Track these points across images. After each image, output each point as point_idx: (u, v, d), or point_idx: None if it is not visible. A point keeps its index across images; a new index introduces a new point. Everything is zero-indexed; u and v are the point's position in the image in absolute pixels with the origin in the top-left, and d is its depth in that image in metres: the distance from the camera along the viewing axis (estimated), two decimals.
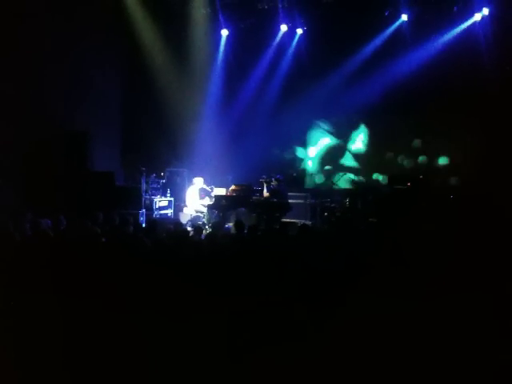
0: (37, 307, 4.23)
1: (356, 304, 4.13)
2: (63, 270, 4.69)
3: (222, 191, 11.74)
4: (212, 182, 12.26)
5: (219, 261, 5.13)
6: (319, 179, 14.11)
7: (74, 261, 4.93)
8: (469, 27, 12.05)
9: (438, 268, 4.74)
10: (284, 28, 13.61)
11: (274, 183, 11.16)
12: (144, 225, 10.41)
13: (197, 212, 11.79)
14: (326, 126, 14.07)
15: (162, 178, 13.01)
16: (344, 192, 12.32)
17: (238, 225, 7.68)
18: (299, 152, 14.36)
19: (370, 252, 5.37)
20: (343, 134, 13.96)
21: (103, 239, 5.99)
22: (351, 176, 13.60)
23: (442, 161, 12.62)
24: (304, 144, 14.31)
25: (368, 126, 13.56)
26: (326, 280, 4.59)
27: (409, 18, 12.48)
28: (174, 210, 12.66)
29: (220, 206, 11.20)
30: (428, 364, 3.63)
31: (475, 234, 6.35)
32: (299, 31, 13.63)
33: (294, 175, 13.10)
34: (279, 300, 4.31)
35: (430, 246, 5.55)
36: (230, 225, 10.54)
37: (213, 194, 11.70)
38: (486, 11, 11.77)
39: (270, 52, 13.77)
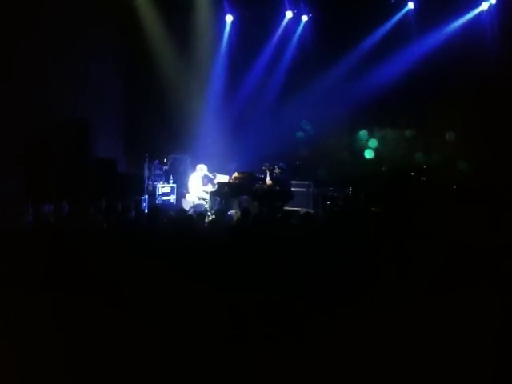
0: (34, 298, 4.22)
1: (357, 302, 4.09)
2: (62, 260, 4.68)
3: (224, 178, 11.74)
4: (215, 169, 12.25)
5: (221, 254, 5.07)
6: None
7: (73, 250, 4.91)
8: (476, 16, 11.95)
9: (442, 264, 4.67)
10: (289, 14, 13.51)
11: (276, 171, 11.15)
12: (146, 211, 10.43)
13: (199, 199, 11.80)
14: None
15: (165, 164, 12.99)
16: (346, 181, 12.27)
17: (245, 212, 7.68)
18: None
19: (372, 245, 5.33)
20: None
21: (105, 226, 5.99)
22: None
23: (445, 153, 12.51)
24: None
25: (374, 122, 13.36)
26: (327, 277, 4.53)
27: (415, 6, 12.37)
28: (176, 197, 12.66)
29: (222, 193, 11.20)
30: (430, 364, 3.58)
31: (479, 226, 6.30)
32: (304, 18, 13.53)
33: (297, 163, 13.04)
34: (280, 297, 4.26)
35: (433, 240, 5.49)
36: (233, 212, 10.54)
37: (215, 181, 11.71)
38: (493, 0, 11.68)
39: (275, 39, 13.66)
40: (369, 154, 13.20)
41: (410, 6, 12.41)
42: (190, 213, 9.96)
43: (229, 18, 13.83)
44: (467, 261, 4.71)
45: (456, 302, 4.04)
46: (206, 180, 12.06)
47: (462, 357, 3.58)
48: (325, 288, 4.42)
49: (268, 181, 11.11)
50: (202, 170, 11.94)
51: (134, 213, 7.73)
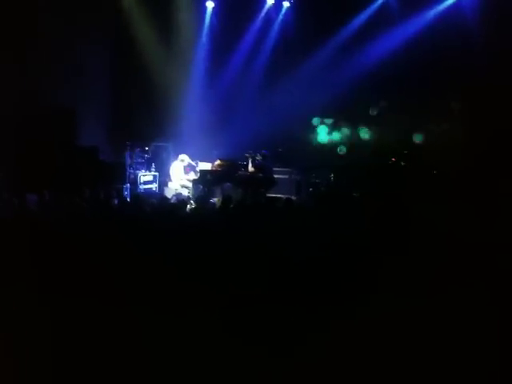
0: (16, 289, 4.14)
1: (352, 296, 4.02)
2: (45, 250, 4.60)
3: (207, 166, 11.71)
4: (197, 156, 12.20)
5: (204, 244, 5.00)
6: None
7: (57, 239, 4.85)
8: (455, 2, 12.02)
9: (434, 256, 4.57)
10: (270, 1, 13.46)
11: (259, 158, 11.18)
12: (128, 199, 10.38)
13: (182, 187, 11.77)
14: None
15: (147, 152, 12.90)
16: (329, 167, 12.33)
17: (226, 199, 7.69)
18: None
19: (357, 231, 5.30)
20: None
21: (88, 214, 5.96)
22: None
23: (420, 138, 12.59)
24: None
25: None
26: (315, 268, 4.47)
27: None
28: (158, 185, 12.61)
29: (205, 181, 11.20)
30: (431, 363, 3.54)
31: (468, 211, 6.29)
32: (286, 4, 13.49)
33: (279, 150, 13.04)
34: (269, 291, 4.19)
35: (419, 225, 5.42)
36: (215, 199, 10.54)
37: (198, 169, 11.68)
38: None
39: (257, 25, 13.60)
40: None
41: None
42: (172, 201, 9.95)
43: (210, 4, 13.73)
44: (467, 258, 4.60)
45: (457, 299, 3.97)
46: (189, 168, 12.03)
47: (464, 356, 3.54)
48: (315, 282, 4.35)
49: (250, 168, 11.14)
50: (183, 160, 11.89)
51: (116, 201, 7.71)
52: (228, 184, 11.27)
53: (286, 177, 12.20)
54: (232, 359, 3.57)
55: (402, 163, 11.63)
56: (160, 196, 10.88)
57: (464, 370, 3.46)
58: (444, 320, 3.79)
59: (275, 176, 11.48)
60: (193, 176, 11.72)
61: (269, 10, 13.58)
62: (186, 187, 11.70)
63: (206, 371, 3.55)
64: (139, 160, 12.58)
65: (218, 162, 11.39)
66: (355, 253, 4.70)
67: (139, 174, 12.20)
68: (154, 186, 12.57)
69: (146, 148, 12.86)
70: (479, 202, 7.07)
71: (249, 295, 4.13)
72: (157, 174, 12.65)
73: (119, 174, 11.69)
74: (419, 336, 3.66)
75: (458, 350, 3.57)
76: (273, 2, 13.45)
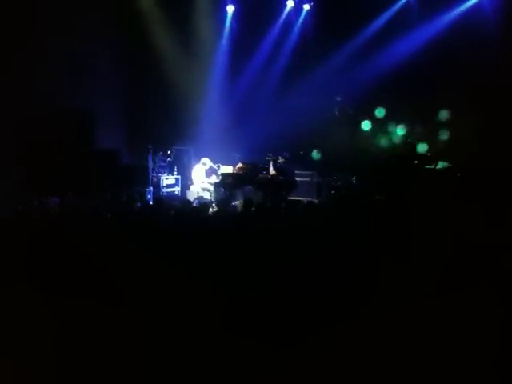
0: (35, 288, 4.21)
1: (361, 300, 4.01)
2: (67, 253, 4.66)
3: (228, 169, 11.77)
4: (219, 159, 12.26)
5: (224, 248, 5.01)
6: None
7: (79, 242, 4.91)
8: (477, 2, 11.89)
9: (445, 262, 4.53)
10: (290, 3, 13.46)
11: (280, 161, 11.18)
12: (151, 202, 10.49)
13: (204, 190, 11.85)
14: None
15: (169, 156, 13.03)
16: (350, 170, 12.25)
17: (247, 202, 7.72)
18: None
19: (375, 237, 5.26)
20: None
21: (108, 216, 6.02)
22: None
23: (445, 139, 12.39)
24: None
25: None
26: (329, 273, 4.46)
27: None
28: (181, 188, 12.72)
29: (226, 184, 11.24)
30: (433, 365, 3.53)
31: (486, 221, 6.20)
32: (306, 7, 13.48)
33: (300, 153, 13.02)
34: (282, 294, 4.19)
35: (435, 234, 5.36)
36: (237, 202, 10.57)
37: (219, 172, 11.75)
38: None
39: (277, 28, 13.61)
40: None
41: None
42: (194, 204, 10.02)
43: (230, 8, 13.80)
44: (471, 259, 4.55)
45: (460, 302, 3.93)
46: (210, 171, 12.11)
47: (466, 355, 3.51)
48: (327, 285, 4.34)
49: (272, 171, 11.14)
50: (205, 164, 11.98)
51: (139, 204, 7.79)
52: (249, 187, 11.29)
53: (308, 179, 12.18)
54: (238, 358, 3.60)
55: (427, 166, 11.50)
56: (182, 199, 10.96)
57: (466, 369, 3.44)
58: (447, 320, 3.77)
59: (296, 179, 11.47)
60: (214, 179, 11.78)
61: (289, 12, 13.60)
62: (208, 190, 11.77)
63: (212, 370, 3.58)
64: (161, 163, 12.72)
65: (239, 165, 11.43)
66: (360, 252, 4.70)
67: (162, 178, 12.32)
68: (177, 190, 12.69)
69: (168, 151, 12.99)
70: (485, 202, 6.99)
71: (254, 295, 4.16)
72: (179, 177, 12.77)
73: (142, 177, 11.80)
74: (422, 335, 3.65)
75: (461, 350, 3.55)
76: (293, 5, 13.45)
